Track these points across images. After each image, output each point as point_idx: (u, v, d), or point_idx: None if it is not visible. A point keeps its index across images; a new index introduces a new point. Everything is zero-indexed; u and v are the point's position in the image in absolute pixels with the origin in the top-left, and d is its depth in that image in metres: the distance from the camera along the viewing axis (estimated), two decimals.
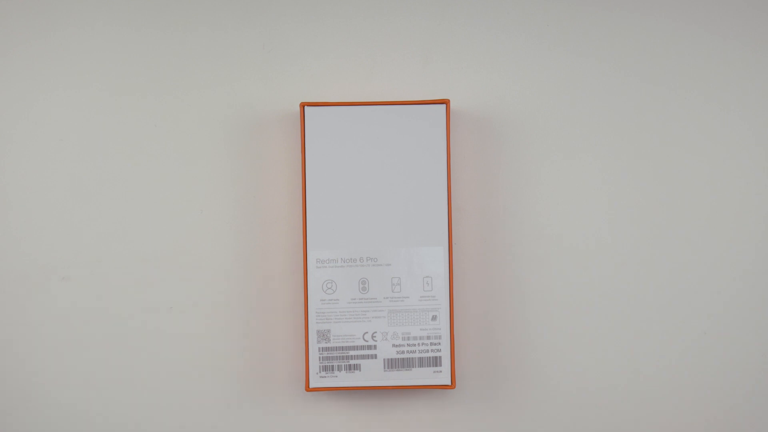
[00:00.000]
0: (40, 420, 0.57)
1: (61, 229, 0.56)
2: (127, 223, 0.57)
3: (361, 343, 0.54)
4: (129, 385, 0.57)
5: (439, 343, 0.54)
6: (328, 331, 0.53)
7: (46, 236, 0.56)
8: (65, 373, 0.56)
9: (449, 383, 0.54)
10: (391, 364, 0.54)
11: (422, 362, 0.54)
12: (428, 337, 0.54)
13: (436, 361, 0.54)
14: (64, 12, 0.57)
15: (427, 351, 0.54)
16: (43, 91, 0.57)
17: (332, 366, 0.53)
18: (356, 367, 0.54)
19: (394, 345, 0.54)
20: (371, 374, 0.53)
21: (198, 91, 0.57)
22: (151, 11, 0.57)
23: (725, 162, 0.58)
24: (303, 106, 0.53)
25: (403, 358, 0.54)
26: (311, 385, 0.53)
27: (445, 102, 0.54)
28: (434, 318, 0.54)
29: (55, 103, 0.57)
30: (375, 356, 0.54)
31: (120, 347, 0.56)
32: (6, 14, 0.57)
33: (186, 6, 0.57)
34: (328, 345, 0.53)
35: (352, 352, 0.53)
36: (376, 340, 0.54)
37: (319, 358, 0.53)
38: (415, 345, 0.54)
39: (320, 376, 0.53)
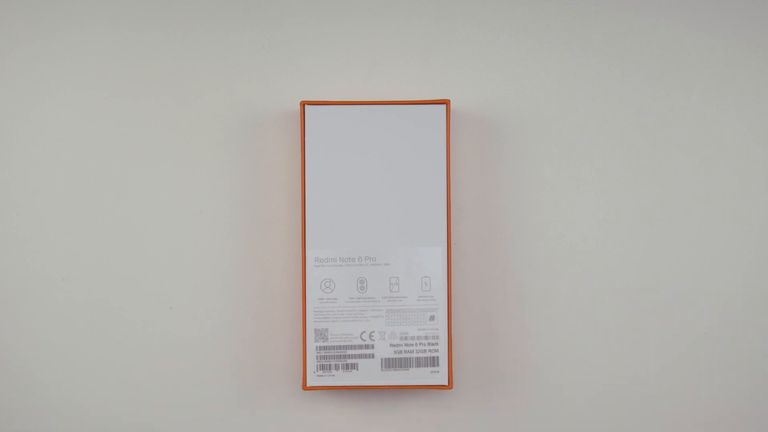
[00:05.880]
0: (40, 420, 0.57)
1: (61, 229, 0.57)
2: (127, 223, 0.57)
3: (359, 342, 0.53)
4: (129, 384, 0.57)
5: (437, 344, 0.53)
6: (326, 330, 0.53)
7: (47, 236, 0.57)
8: (65, 374, 0.57)
9: (446, 383, 0.54)
10: (389, 363, 0.53)
11: (419, 362, 0.53)
12: (426, 337, 0.53)
13: (433, 362, 0.53)
14: (64, 13, 0.57)
15: (425, 351, 0.53)
16: (43, 92, 0.57)
17: (330, 365, 0.53)
18: (353, 367, 0.53)
19: (391, 345, 0.53)
20: (368, 374, 0.53)
21: (198, 91, 0.57)
22: (152, 12, 0.57)
23: (726, 162, 0.57)
24: (303, 104, 0.53)
25: (401, 358, 0.53)
26: (308, 384, 0.53)
27: (445, 102, 0.54)
28: (432, 318, 0.53)
29: (55, 103, 0.57)
30: (372, 356, 0.53)
31: (120, 347, 0.57)
32: (6, 15, 0.57)
33: (186, 6, 0.58)
34: (326, 344, 0.53)
35: (349, 351, 0.53)
36: (373, 340, 0.53)
37: (317, 356, 0.53)
38: (412, 345, 0.53)
39: (317, 375, 0.53)
